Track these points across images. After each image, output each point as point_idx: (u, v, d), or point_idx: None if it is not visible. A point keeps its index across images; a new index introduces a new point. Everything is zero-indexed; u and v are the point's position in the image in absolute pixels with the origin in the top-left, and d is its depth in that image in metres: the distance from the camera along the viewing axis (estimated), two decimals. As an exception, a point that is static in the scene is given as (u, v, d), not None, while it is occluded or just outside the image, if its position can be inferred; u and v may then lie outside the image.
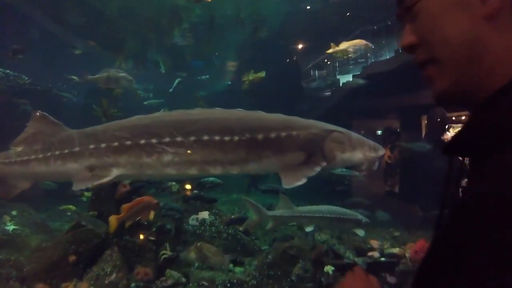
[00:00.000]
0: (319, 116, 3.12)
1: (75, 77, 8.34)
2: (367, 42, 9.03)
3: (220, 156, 2.78)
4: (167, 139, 2.80)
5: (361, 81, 11.02)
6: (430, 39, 0.92)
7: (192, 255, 5.24)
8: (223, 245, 6.73)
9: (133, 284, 5.11)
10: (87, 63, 13.29)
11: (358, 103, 13.20)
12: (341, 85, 16.54)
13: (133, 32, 18.43)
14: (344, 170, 7.55)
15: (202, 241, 6.61)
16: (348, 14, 16.21)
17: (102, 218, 5.54)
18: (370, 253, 6.24)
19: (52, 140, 3.13)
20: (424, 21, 0.92)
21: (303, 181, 2.66)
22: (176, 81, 15.33)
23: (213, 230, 7.02)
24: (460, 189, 0.95)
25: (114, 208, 5.36)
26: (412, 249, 5.64)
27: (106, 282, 4.92)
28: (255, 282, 5.53)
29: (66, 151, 3.00)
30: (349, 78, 15.97)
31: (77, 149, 2.97)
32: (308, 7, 16.54)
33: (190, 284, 5.29)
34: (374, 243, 6.56)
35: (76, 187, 2.93)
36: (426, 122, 10.39)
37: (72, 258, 5.04)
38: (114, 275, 4.97)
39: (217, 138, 2.76)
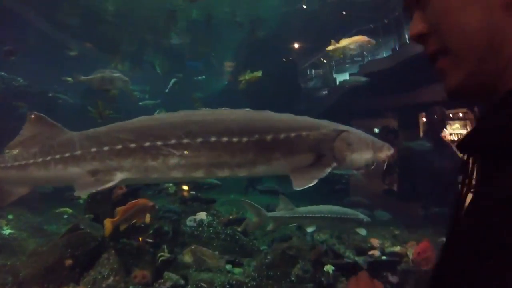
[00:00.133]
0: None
1: (69, 79, 8.26)
2: (369, 38, 8.91)
3: (228, 158, 2.68)
4: (173, 141, 2.70)
5: (362, 79, 10.79)
6: (442, 28, 0.83)
7: (187, 258, 5.17)
8: (222, 246, 6.68)
9: (130, 287, 5.06)
10: (84, 64, 13.21)
11: (355, 102, 13.18)
12: (337, 84, 16.54)
13: (129, 33, 18.37)
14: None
15: (201, 242, 6.58)
16: (344, 13, 16.19)
17: (98, 221, 5.47)
18: (370, 252, 6.20)
19: (51, 143, 2.99)
20: (436, 7, 0.83)
21: (313, 182, 2.57)
22: (172, 81, 15.23)
23: (211, 231, 6.96)
24: (471, 190, 0.89)
25: (110, 210, 5.29)
26: (415, 251, 5.59)
27: (104, 285, 4.85)
28: (254, 283, 5.48)
29: (67, 154, 2.87)
30: (345, 77, 15.97)
31: (78, 152, 2.84)
32: (305, 7, 16.53)
33: (189, 286, 5.23)
34: (375, 242, 6.52)
35: (79, 192, 2.82)
36: (424, 120, 10.36)
37: (69, 262, 4.96)
38: (111, 279, 4.90)
39: (224, 139, 2.66)
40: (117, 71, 8.23)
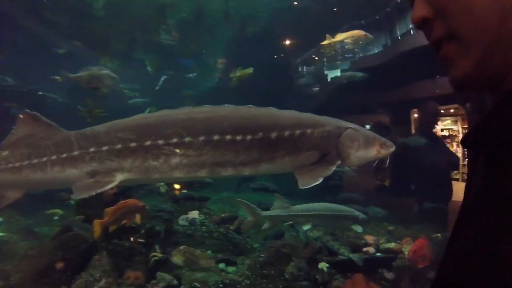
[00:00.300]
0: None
1: (58, 78, 8.14)
2: (366, 33, 8.85)
3: (232, 156, 2.60)
4: (175, 140, 2.60)
5: (359, 74, 10.54)
6: (449, 9, 0.75)
7: (175, 259, 5.10)
8: (215, 245, 6.64)
9: (123, 289, 4.99)
10: (73, 63, 13.05)
11: (346, 98, 13.18)
12: (329, 80, 16.54)
13: (119, 31, 18.20)
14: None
15: (194, 241, 6.54)
16: (335, 9, 16.17)
17: (89, 222, 5.38)
18: (365, 249, 6.20)
19: (47, 143, 2.83)
20: None
21: (319, 181, 2.53)
22: (162, 78, 15.12)
23: (204, 230, 6.92)
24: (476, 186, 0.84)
25: (101, 211, 5.22)
26: (411, 249, 5.60)
27: (96, 288, 4.79)
28: (248, 282, 5.46)
29: (64, 155, 2.73)
30: (337, 73, 15.96)
31: (76, 153, 2.72)
32: (296, 3, 16.49)
33: (182, 286, 5.19)
34: (369, 239, 6.51)
35: (77, 195, 2.68)
36: (417, 115, 10.37)
37: (60, 265, 4.88)
38: (103, 281, 4.82)
39: (228, 137, 2.59)
40: (105, 68, 8.10)
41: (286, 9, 16.53)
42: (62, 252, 5.04)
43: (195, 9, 16.02)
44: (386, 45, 13.48)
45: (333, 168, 2.63)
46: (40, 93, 14.95)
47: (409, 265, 5.55)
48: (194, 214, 7.22)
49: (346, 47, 8.98)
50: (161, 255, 5.49)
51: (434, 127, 8.66)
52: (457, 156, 9.18)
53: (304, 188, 2.51)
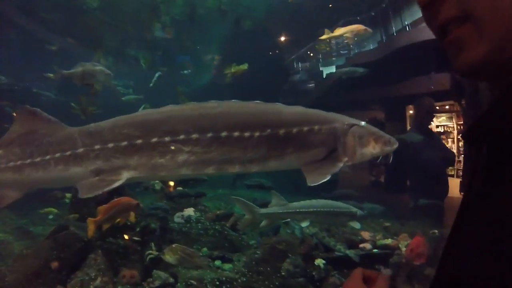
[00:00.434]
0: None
1: (52, 75, 8.04)
2: (366, 27, 8.78)
3: (240, 153, 2.55)
4: (182, 136, 2.52)
5: (360, 70, 10.26)
6: None
7: (167, 257, 5.05)
8: (210, 242, 6.62)
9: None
10: (66, 60, 12.93)
11: (341, 94, 13.18)
12: (324, 76, 16.53)
13: (112, 27, 18.08)
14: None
15: (189, 238, 6.51)
16: (330, 5, 16.16)
17: (84, 221, 5.33)
18: (362, 245, 6.20)
19: (49, 140, 2.71)
20: None
21: (327, 178, 2.49)
22: (156, 75, 14.98)
23: (200, 227, 6.89)
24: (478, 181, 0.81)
25: (96, 209, 5.18)
26: (408, 248, 5.59)
27: (91, 287, 4.74)
28: (244, 279, 5.44)
29: (68, 153, 2.62)
30: (332, 69, 15.97)
31: (80, 150, 2.61)
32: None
33: (178, 284, 5.17)
34: (366, 235, 6.51)
35: (83, 194, 2.56)
36: (413, 112, 10.38)
37: (55, 264, 4.83)
38: (99, 280, 4.79)
39: (236, 134, 2.52)
40: (99, 64, 8.00)
41: (281, 5, 16.49)
42: (57, 252, 5.00)
43: (189, 5, 15.93)
44: (381, 42, 13.49)
45: (341, 164, 2.60)
46: (34, 90, 14.84)
47: (406, 262, 5.56)
48: (190, 211, 7.19)
49: (346, 41, 8.88)
50: (156, 253, 5.47)
51: (430, 124, 8.68)
52: (453, 152, 9.22)
53: (312, 185, 2.47)
